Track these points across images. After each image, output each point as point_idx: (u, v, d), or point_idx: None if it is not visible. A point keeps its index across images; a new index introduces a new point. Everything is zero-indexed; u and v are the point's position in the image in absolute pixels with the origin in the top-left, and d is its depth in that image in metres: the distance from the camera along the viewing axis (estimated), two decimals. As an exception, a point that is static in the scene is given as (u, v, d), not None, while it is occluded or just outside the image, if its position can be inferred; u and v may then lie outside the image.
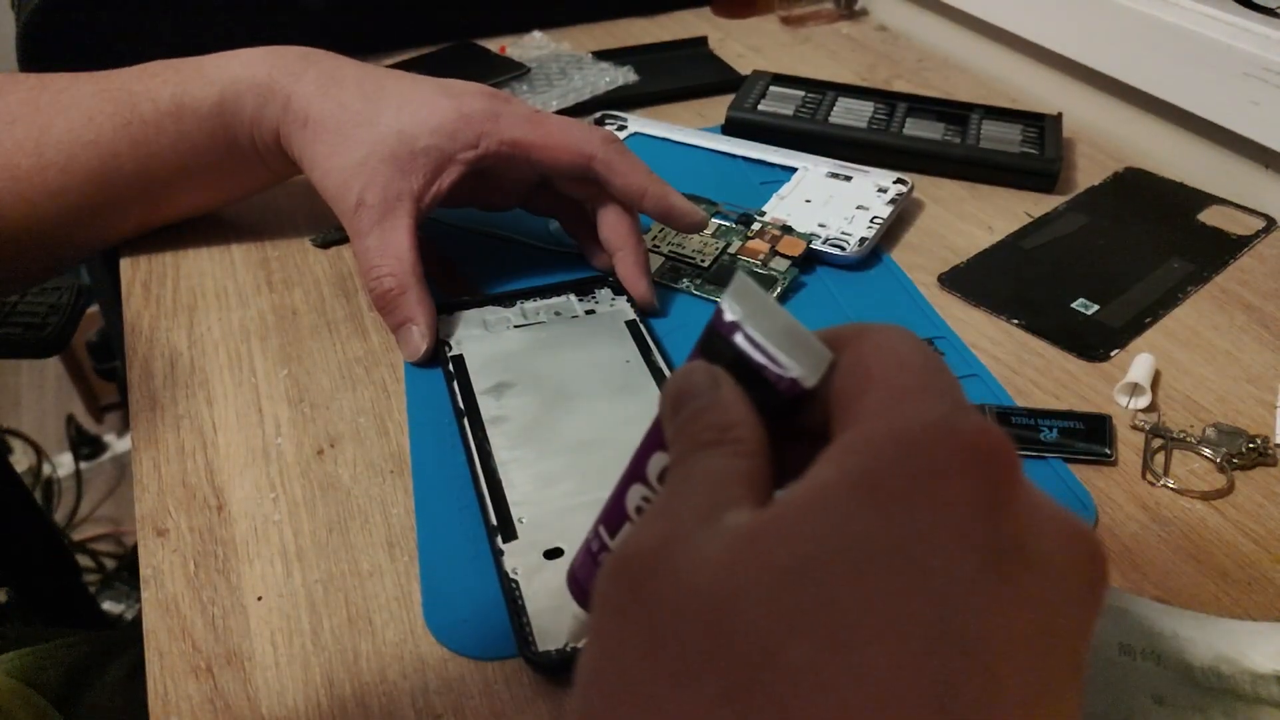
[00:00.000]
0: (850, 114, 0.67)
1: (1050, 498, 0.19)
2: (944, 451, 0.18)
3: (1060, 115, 0.66)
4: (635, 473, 0.25)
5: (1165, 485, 0.41)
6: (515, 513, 0.38)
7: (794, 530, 0.18)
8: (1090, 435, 0.42)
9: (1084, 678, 0.18)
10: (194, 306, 0.51)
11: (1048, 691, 0.17)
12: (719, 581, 0.17)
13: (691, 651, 0.17)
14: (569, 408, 0.43)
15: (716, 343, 0.23)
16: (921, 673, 0.16)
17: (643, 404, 0.43)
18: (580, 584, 0.28)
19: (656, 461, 0.25)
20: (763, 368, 0.22)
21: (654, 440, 0.25)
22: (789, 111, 0.67)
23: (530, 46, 0.80)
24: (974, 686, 0.16)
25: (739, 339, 0.23)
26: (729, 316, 0.23)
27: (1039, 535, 0.18)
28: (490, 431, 0.42)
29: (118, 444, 1.67)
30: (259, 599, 0.36)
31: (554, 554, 0.36)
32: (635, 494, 0.25)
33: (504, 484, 0.39)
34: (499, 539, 0.37)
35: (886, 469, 0.18)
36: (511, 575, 0.35)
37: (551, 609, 0.34)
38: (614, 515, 0.26)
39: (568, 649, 0.33)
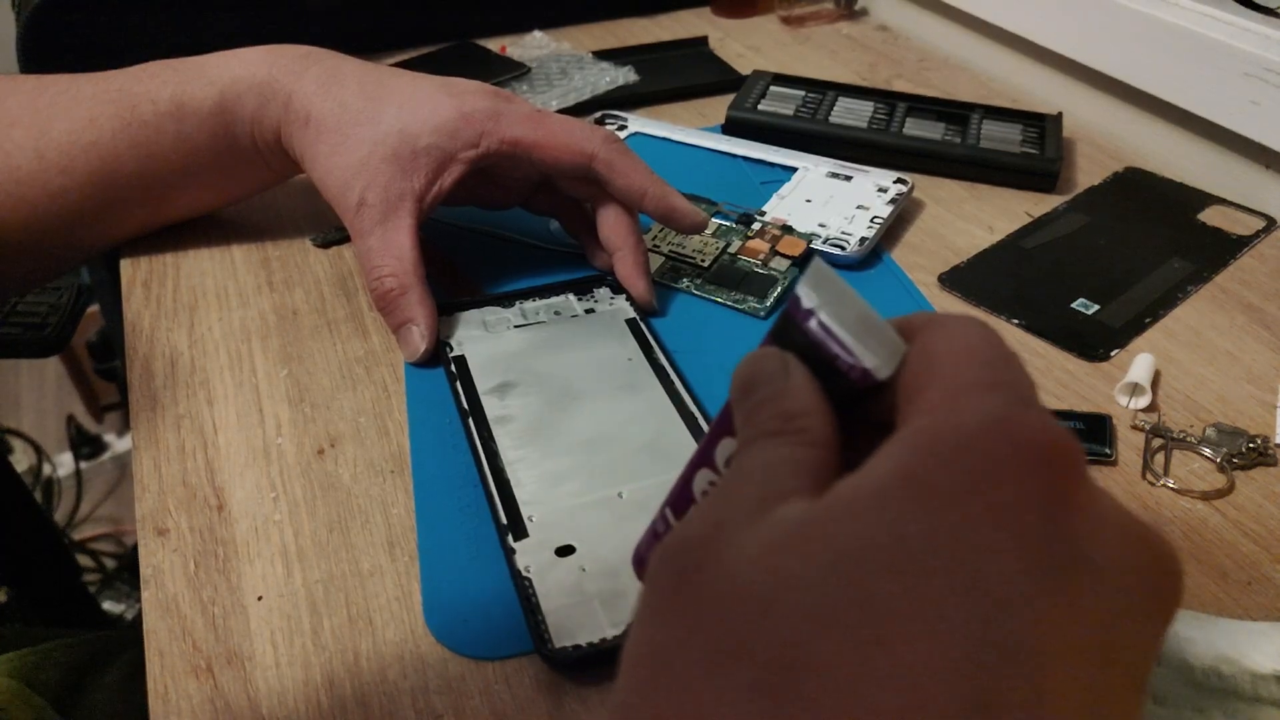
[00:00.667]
0: (850, 114, 0.67)
1: (1119, 504, 0.18)
2: (1002, 450, 0.17)
3: (1060, 115, 0.66)
4: (703, 458, 0.25)
5: (1165, 485, 0.41)
6: (525, 511, 0.38)
7: (840, 526, 0.17)
8: (1090, 435, 0.42)
9: (1145, 698, 0.17)
10: (194, 306, 0.51)
11: (1099, 706, 0.16)
12: (761, 573, 0.17)
13: (727, 640, 0.17)
14: (572, 407, 0.43)
15: (791, 329, 0.23)
16: (958, 680, 0.15)
17: (646, 402, 0.43)
18: (645, 564, 0.27)
19: (724, 447, 0.24)
20: (836, 356, 0.22)
21: (723, 425, 0.25)
22: (789, 111, 0.67)
23: (530, 46, 0.80)
24: (1015, 700, 0.15)
25: (814, 325, 0.22)
26: (806, 303, 0.22)
27: (1103, 543, 0.17)
28: (496, 431, 0.42)
29: (118, 444, 1.67)
30: (259, 599, 0.36)
31: (565, 551, 0.36)
32: (702, 479, 0.25)
33: (512, 483, 0.39)
34: (510, 538, 0.37)
35: (940, 466, 0.17)
36: (524, 574, 0.35)
37: (565, 607, 0.34)
38: (681, 499, 0.26)
39: (584, 645, 0.33)
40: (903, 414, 0.20)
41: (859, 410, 0.22)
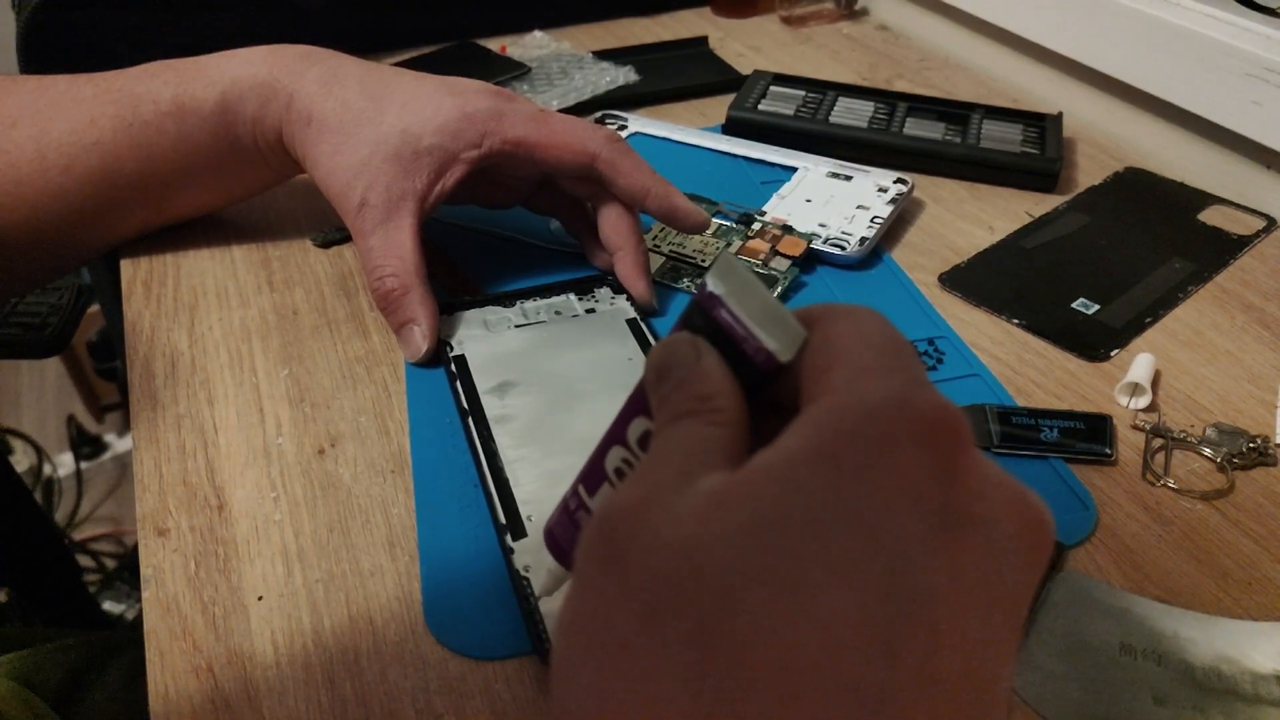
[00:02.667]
0: (851, 114, 0.67)
1: (1001, 469, 0.20)
2: (900, 424, 0.19)
3: (1061, 115, 0.66)
4: (616, 436, 0.27)
5: (1166, 485, 0.41)
6: (524, 511, 0.38)
7: (759, 492, 0.19)
8: (1091, 435, 0.42)
9: (1021, 633, 0.19)
10: (195, 306, 0.51)
11: (986, 644, 0.19)
12: (688, 536, 0.19)
13: (661, 598, 0.19)
14: (572, 406, 0.43)
15: (699, 316, 0.24)
16: (869, 621, 0.17)
17: (643, 404, 0.43)
18: (556, 539, 0.29)
19: (636, 426, 0.26)
20: (742, 341, 0.23)
21: (635, 406, 0.26)
22: (789, 111, 0.67)
23: (531, 46, 0.80)
24: (917, 635, 0.18)
25: (721, 314, 0.24)
26: (713, 291, 0.24)
27: (987, 502, 0.19)
28: (495, 431, 0.42)
29: (118, 444, 1.67)
30: (260, 598, 0.36)
31: None
32: (615, 456, 0.27)
33: (511, 482, 0.39)
34: (508, 537, 0.37)
35: (846, 439, 0.19)
36: (523, 573, 0.35)
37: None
38: (593, 475, 0.27)
39: None
40: (807, 394, 0.22)
41: (764, 393, 0.24)
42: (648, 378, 0.25)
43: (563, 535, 0.28)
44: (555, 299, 0.50)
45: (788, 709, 0.17)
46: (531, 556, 0.36)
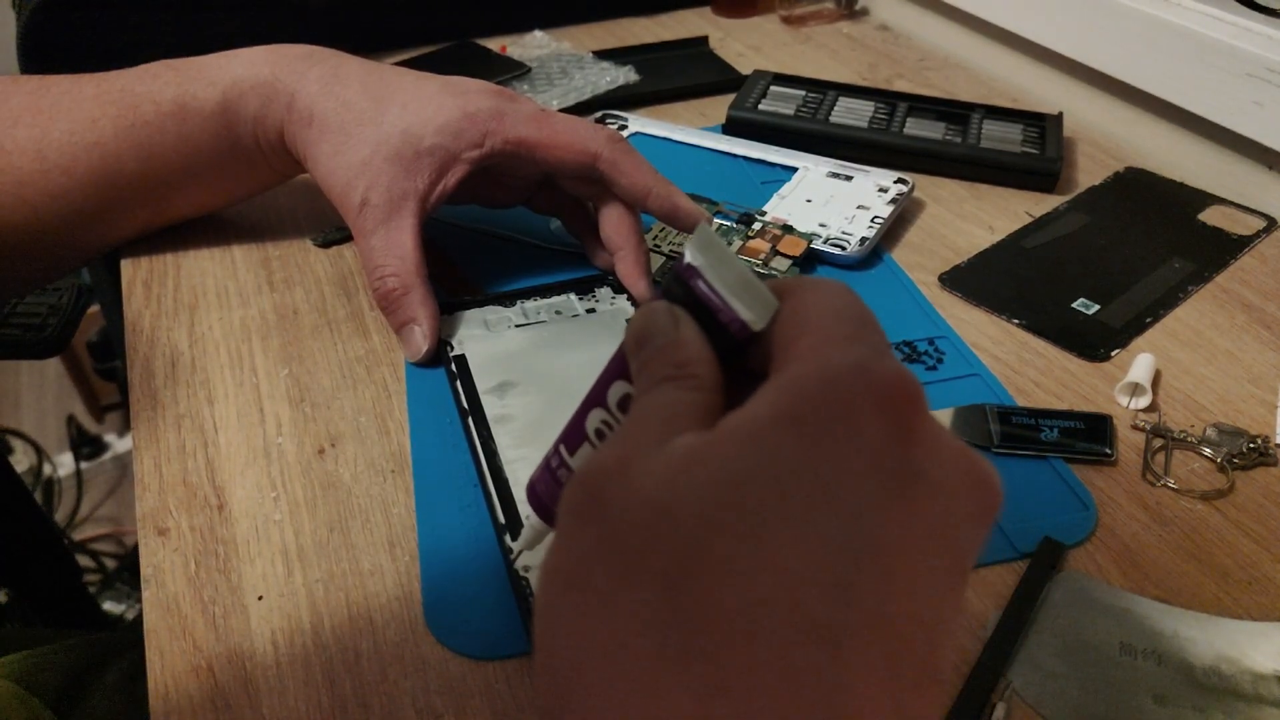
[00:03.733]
0: (851, 114, 0.67)
1: (953, 436, 0.22)
2: (860, 390, 0.21)
3: (1061, 115, 0.66)
4: (596, 398, 0.28)
5: (1166, 485, 0.41)
6: (524, 511, 0.38)
7: (727, 450, 0.21)
8: (1091, 435, 0.42)
9: (967, 585, 0.21)
10: (195, 306, 0.51)
11: (934, 592, 0.20)
12: (662, 490, 0.20)
13: (635, 547, 0.20)
14: (572, 406, 0.43)
15: (678, 286, 0.26)
16: (826, 568, 0.19)
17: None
18: (538, 495, 0.30)
19: (616, 389, 0.27)
20: (718, 310, 0.25)
21: (615, 370, 0.27)
22: (790, 111, 0.67)
23: (531, 46, 0.80)
24: (870, 581, 0.19)
25: (699, 284, 0.25)
26: (691, 262, 0.25)
27: (939, 464, 0.21)
28: (495, 430, 0.42)
29: (118, 444, 1.67)
30: (260, 598, 0.36)
31: None
32: (595, 417, 0.28)
33: (511, 482, 0.39)
34: (508, 537, 0.37)
35: (809, 403, 0.21)
36: (523, 573, 0.35)
37: None
38: (574, 436, 0.29)
39: None
40: (777, 361, 0.23)
41: (738, 359, 0.25)
42: (628, 344, 0.26)
43: (544, 491, 0.30)
44: (556, 299, 0.50)
45: (750, 645, 0.18)
46: (531, 557, 0.36)
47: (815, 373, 0.21)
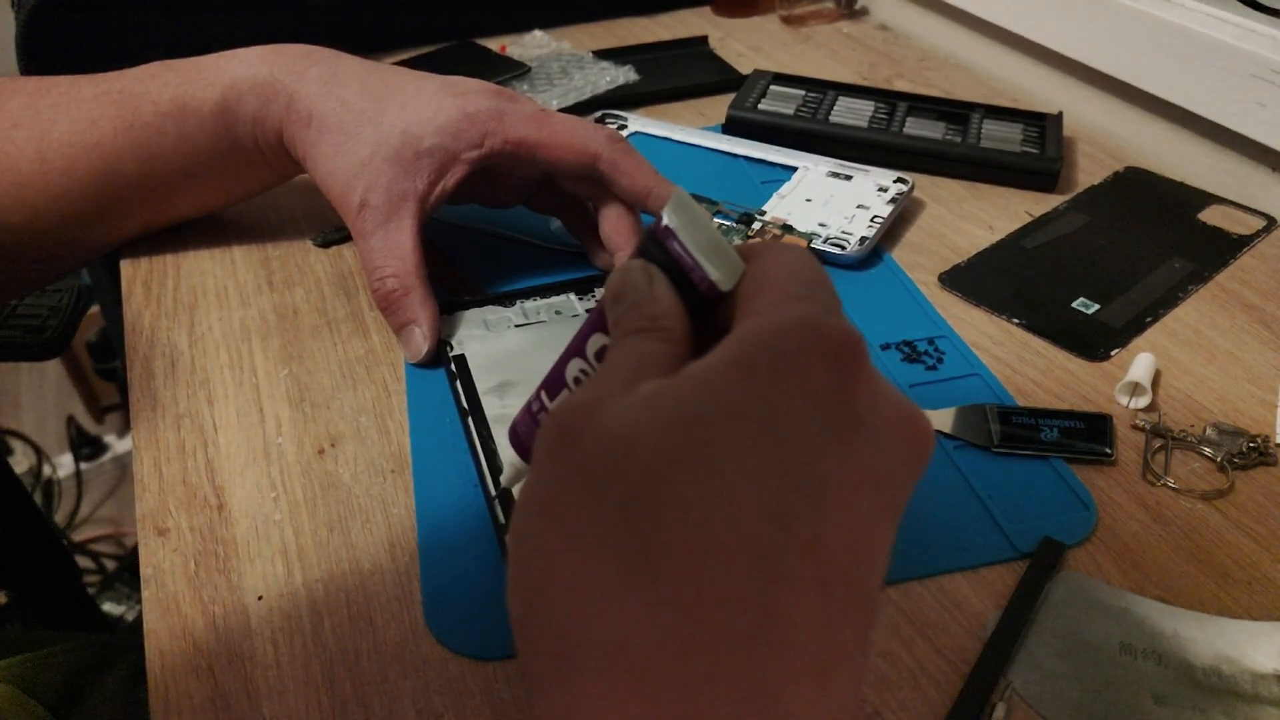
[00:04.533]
0: (851, 113, 0.67)
1: (894, 388, 0.24)
2: (807, 342, 0.23)
3: (1061, 115, 0.66)
4: (575, 349, 0.30)
5: (1166, 485, 0.41)
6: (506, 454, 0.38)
7: (686, 393, 0.23)
8: (1091, 435, 0.42)
9: (898, 522, 0.23)
10: (194, 306, 0.51)
11: (867, 526, 0.22)
12: (625, 427, 0.22)
13: (600, 476, 0.22)
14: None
15: (654, 246, 0.28)
16: (767, 498, 0.21)
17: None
18: (519, 436, 0.33)
19: (595, 341, 0.30)
20: (690, 270, 0.27)
21: (594, 324, 0.30)
22: (790, 111, 0.67)
23: (531, 45, 0.80)
24: (808, 511, 0.21)
25: (674, 245, 0.27)
26: (667, 224, 0.27)
27: (877, 412, 0.23)
28: (495, 430, 0.42)
29: (118, 444, 1.67)
30: (260, 598, 0.36)
31: None
32: (574, 366, 0.30)
33: None
34: (508, 537, 0.37)
35: (761, 351, 0.23)
36: None
37: None
38: (555, 383, 0.31)
39: None
40: (737, 316, 0.25)
41: (707, 316, 0.27)
42: (606, 299, 0.28)
43: (525, 432, 0.32)
44: (556, 299, 0.50)
45: (698, 564, 0.21)
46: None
47: (768, 325, 0.23)
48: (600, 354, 0.30)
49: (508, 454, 0.40)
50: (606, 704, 0.20)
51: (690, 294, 0.27)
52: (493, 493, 0.39)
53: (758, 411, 0.22)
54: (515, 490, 0.36)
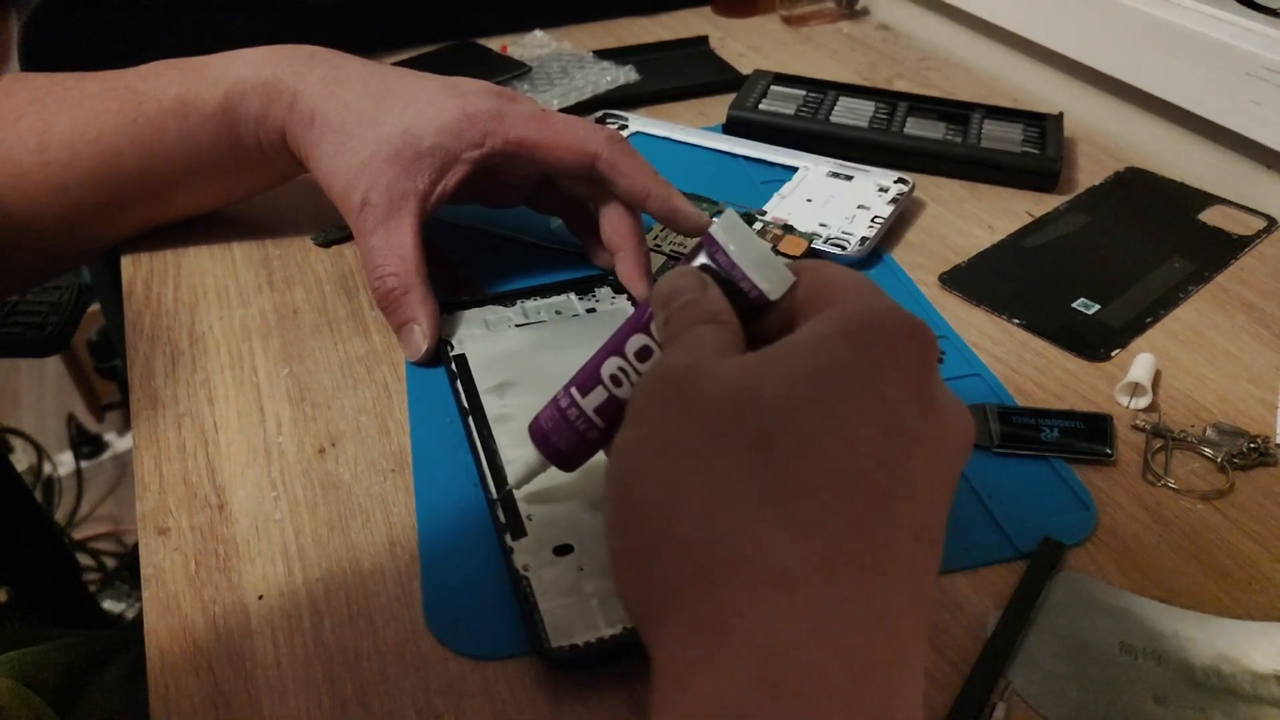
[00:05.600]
0: (851, 113, 0.67)
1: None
2: (897, 324, 0.26)
3: (1061, 115, 0.66)
4: (613, 348, 0.32)
5: (1166, 485, 0.41)
6: (524, 511, 0.38)
7: (799, 352, 0.26)
8: (1091, 435, 0.42)
9: (954, 492, 0.27)
10: (195, 305, 0.51)
11: (940, 486, 0.26)
12: (746, 379, 0.25)
13: (723, 419, 0.25)
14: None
15: (705, 257, 0.30)
16: (878, 447, 0.24)
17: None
18: (546, 434, 0.34)
19: (635, 341, 0.31)
20: (740, 280, 0.30)
21: (634, 324, 0.32)
22: (790, 111, 0.67)
23: (531, 45, 0.80)
24: (905, 464, 0.25)
25: (722, 256, 0.30)
26: (720, 240, 0.30)
27: (945, 395, 0.27)
28: (495, 430, 0.42)
29: (118, 443, 1.67)
30: (260, 598, 0.36)
31: (563, 550, 0.36)
32: (611, 364, 0.32)
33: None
34: (508, 537, 0.37)
35: (860, 325, 0.26)
36: (522, 572, 0.35)
37: (562, 606, 0.34)
38: (588, 381, 0.32)
39: (581, 645, 0.33)
40: (809, 312, 0.29)
41: (750, 326, 0.30)
42: (656, 299, 0.30)
43: (552, 429, 0.33)
44: (556, 299, 0.50)
45: (828, 493, 0.24)
46: (531, 556, 0.36)
47: (865, 309, 0.27)
48: (641, 353, 0.31)
49: (516, 453, 0.41)
50: (761, 613, 0.22)
51: (738, 302, 0.30)
52: (493, 494, 0.39)
53: (865, 374, 0.25)
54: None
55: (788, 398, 0.25)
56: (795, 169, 0.62)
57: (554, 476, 0.39)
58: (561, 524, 0.37)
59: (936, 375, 0.27)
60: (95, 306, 0.96)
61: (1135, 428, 0.43)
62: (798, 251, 0.53)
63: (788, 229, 0.55)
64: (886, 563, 0.24)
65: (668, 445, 0.25)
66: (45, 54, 0.69)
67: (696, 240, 0.31)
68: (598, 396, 0.32)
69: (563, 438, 0.33)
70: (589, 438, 0.33)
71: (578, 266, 0.53)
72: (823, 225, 0.56)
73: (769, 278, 0.29)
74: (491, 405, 0.43)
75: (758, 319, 0.30)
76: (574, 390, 0.33)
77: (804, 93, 0.70)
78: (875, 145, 0.64)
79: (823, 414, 0.24)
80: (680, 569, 0.24)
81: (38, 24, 0.68)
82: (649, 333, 0.31)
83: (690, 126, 0.68)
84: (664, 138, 0.67)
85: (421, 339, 0.46)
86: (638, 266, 0.49)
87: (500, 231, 0.56)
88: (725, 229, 0.30)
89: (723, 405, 0.25)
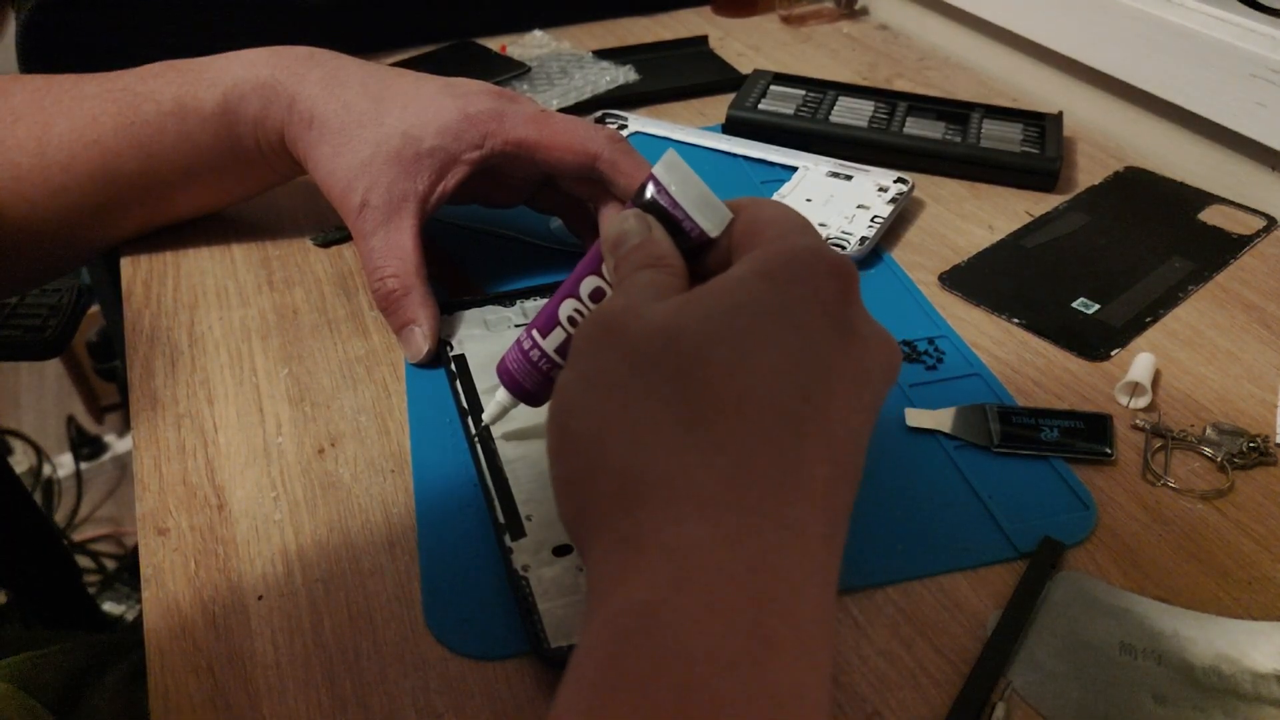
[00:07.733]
0: (851, 113, 0.67)
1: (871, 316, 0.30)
2: (817, 261, 0.28)
3: (1061, 115, 0.66)
4: (569, 290, 0.34)
5: (1166, 485, 0.41)
6: (523, 511, 0.38)
7: (720, 293, 0.28)
8: (1091, 435, 0.42)
9: (876, 417, 0.29)
10: (195, 305, 0.51)
11: (858, 412, 0.28)
12: (670, 319, 0.27)
13: (648, 356, 0.27)
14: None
15: (647, 200, 0.32)
16: (792, 376, 0.26)
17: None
18: (511, 373, 0.37)
19: (588, 283, 0.33)
20: (681, 220, 0.31)
21: (588, 267, 0.33)
22: (790, 111, 0.67)
23: (531, 45, 0.80)
24: (820, 392, 0.27)
25: (665, 198, 0.31)
26: (662, 180, 0.31)
27: (866, 324, 0.29)
28: (495, 430, 0.42)
29: (118, 444, 1.67)
30: (260, 598, 0.36)
31: (562, 551, 0.36)
32: (568, 306, 0.34)
33: (510, 482, 0.39)
34: (507, 537, 0.37)
35: (781, 266, 0.28)
36: (521, 573, 0.35)
37: (561, 605, 0.34)
38: (547, 322, 0.35)
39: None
40: (743, 248, 0.30)
41: (694, 263, 0.32)
42: (606, 243, 0.32)
43: (517, 369, 0.36)
44: (555, 299, 0.50)
45: (741, 420, 0.26)
46: (531, 556, 0.36)
47: (784, 248, 0.29)
48: (594, 295, 0.34)
49: (516, 452, 0.41)
50: (675, 526, 0.24)
51: (681, 241, 0.31)
52: (493, 494, 0.39)
53: (780, 308, 0.27)
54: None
55: (706, 333, 0.27)
56: (795, 169, 0.62)
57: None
58: (561, 524, 0.37)
59: (859, 308, 0.29)
60: (95, 308, 0.95)
61: (1135, 427, 0.43)
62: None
63: (787, 229, 0.55)
64: (795, 478, 0.25)
65: (600, 382, 0.27)
66: (44, 54, 0.69)
67: (642, 181, 0.32)
68: (557, 337, 0.35)
69: (528, 377, 0.36)
70: (552, 376, 0.35)
71: (577, 267, 0.53)
72: (822, 225, 0.56)
73: (709, 217, 0.31)
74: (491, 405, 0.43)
75: (701, 256, 0.32)
76: (535, 332, 0.35)
77: (803, 92, 0.70)
78: (875, 145, 0.64)
79: (737, 346, 0.26)
80: (609, 492, 0.26)
81: (37, 24, 0.68)
82: (602, 274, 0.33)
83: (690, 126, 0.68)
84: (664, 138, 0.67)
85: (422, 340, 0.46)
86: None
87: (500, 231, 0.56)
88: (668, 168, 0.31)
89: (649, 344, 0.27)
